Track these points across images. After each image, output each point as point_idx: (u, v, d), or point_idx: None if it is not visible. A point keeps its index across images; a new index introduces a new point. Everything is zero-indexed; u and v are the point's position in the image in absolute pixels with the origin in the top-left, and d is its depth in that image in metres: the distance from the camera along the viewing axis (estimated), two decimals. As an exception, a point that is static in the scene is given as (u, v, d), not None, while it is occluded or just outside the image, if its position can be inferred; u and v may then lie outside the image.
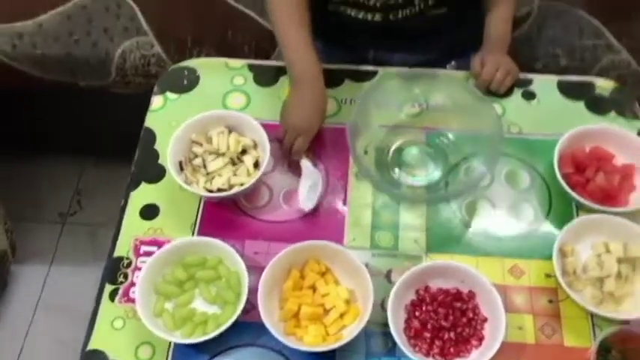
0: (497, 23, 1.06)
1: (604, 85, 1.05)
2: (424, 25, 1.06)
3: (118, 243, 0.88)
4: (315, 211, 0.91)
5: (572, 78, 1.06)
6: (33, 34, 1.22)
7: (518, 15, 1.22)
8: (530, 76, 1.06)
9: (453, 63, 1.13)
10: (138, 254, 0.87)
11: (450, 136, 0.97)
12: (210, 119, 0.94)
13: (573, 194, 0.88)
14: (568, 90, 1.04)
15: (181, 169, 0.91)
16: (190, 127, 0.93)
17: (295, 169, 0.96)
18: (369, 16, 1.05)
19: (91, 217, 1.66)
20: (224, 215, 0.91)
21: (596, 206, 0.87)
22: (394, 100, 0.98)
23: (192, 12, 1.23)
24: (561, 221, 0.87)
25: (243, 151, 0.93)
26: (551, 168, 0.91)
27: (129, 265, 0.86)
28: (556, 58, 1.19)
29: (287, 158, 0.96)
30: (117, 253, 0.87)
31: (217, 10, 1.23)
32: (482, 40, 1.15)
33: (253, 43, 1.22)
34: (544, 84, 1.05)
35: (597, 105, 1.02)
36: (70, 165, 1.69)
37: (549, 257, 0.83)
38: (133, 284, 0.84)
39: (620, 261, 0.83)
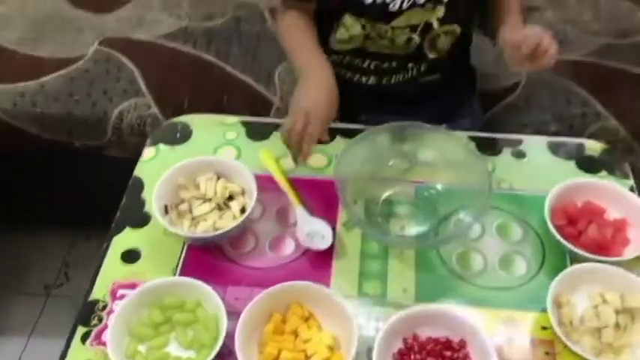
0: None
1: (594, 147, 1.05)
2: (417, 90, 1.08)
3: (96, 286, 0.85)
4: (302, 255, 0.89)
5: (561, 139, 1.07)
6: (34, 94, 1.26)
7: (507, 85, 1.25)
8: (519, 136, 1.06)
9: (444, 127, 1.14)
10: (115, 297, 0.83)
11: (439, 188, 0.96)
12: (199, 165, 0.94)
13: (566, 244, 0.85)
14: (558, 150, 1.04)
15: (166, 212, 0.89)
16: (178, 171, 0.92)
17: (283, 218, 0.94)
18: (364, 79, 1.08)
19: (78, 289, 1.60)
20: (207, 260, 0.88)
21: (590, 256, 0.84)
22: (383, 153, 0.98)
23: (190, 76, 1.27)
24: (555, 273, 0.83)
25: (230, 197, 0.92)
26: (543, 221, 0.89)
27: (104, 307, 0.82)
28: (545, 125, 1.20)
29: (295, 162, 0.91)
30: (93, 296, 0.84)
31: (214, 76, 1.27)
32: (472, 105, 1.17)
33: (248, 108, 1.25)
34: (534, 144, 1.05)
35: (587, 164, 1.01)
36: (60, 237, 1.67)
37: (544, 309, 0.79)
38: (106, 327, 0.79)
39: (617, 312, 0.79)
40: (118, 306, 0.79)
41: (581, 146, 1.05)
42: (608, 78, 1.25)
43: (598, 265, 0.83)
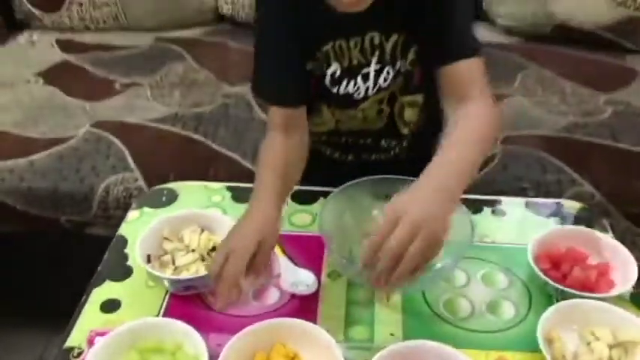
0: (447, 145, 0.83)
1: (571, 206, 1.07)
2: (396, 166, 1.11)
3: (72, 334, 0.81)
4: (287, 303, 0.86)
5: (539, 199, 1.09)
6: (23, 170, 1.28)
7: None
8: (498, 197, 1.09)
9: None
10: (91, 344, 0.79)
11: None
12: (184, 218, 0.94)
13: (553, 283, 0.85)
14: (536, 209, 1.06)
15: (149, 262, 0.88)
16: (164, 223, 0.92)
17: (268, 269, 0.92)
18: (344, 157, 1.11)
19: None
20: (189, 309, 0.85)
21: (578, 293, 0.83)
22: (364, 206, 0.99)
23: (177, 152, 1.31)
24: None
25: (214, 249, 0.92)
26: (527, 269, 0.89)
27: (79, 354, 0.78)
28: (523, 191, 1.23)
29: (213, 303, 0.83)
30: (68, 344, 0.80)
31: (201, 152, 1.31)
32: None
33: (234, 181, 1.26)
34: (512, 204, 1.07)
35: (566, 219, 1.03)
36: (38, 331, 1.61)
37: (535, 349, 0.77)
38: (81, 373, 0.75)
39: (610, 346, 0.77)
40: (92, 349, 0.75)
41: (559, 205, 1.08)
42: (580, 149, 1.31)
43: (586, 300, 0.82)
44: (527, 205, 1.07)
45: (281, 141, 0.95)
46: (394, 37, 0.94)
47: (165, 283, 0.86)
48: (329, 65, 0.95)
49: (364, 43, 0.94)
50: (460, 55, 0.91)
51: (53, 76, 1.56)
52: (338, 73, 0.95)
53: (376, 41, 0.93)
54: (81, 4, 1.75)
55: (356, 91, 0.97)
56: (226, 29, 1.82)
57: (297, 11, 0.92)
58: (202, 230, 0.94)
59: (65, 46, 1.72)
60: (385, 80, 0.96)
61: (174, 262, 0.89)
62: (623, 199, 1.24)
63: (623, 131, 1.35)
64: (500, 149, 1.30)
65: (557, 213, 1.05)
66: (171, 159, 1.29)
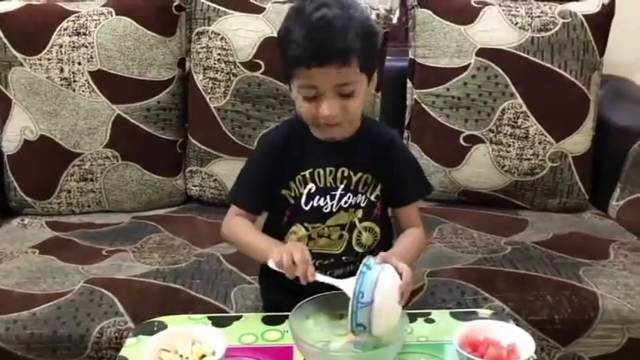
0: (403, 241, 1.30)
1: (485, 312, 1.32)
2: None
3: None
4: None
5: (459, 309, 1.33)
6: (26, 320, 1.42)
7: (413, 288, 1.53)
8: (428, 310, 1.32)
9: None
10: None
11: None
12: (178, 333, 1.13)
13: (472, 356, 1.07)
14: (458, 316, 1.29)
15: (150, 368, 1.04)
16: (161, 337, 1.10)
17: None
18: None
19: None
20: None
21: (493, 364, 1.05)
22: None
23: (160, 300, 1.48)
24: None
25: (203, 356, 1.09)
26: (453, 355, 1.11)
27: None
28: (446, 305, 1.46)
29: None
30: None
31: (180, 298, 1.50)
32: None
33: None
34: (440, 314, 1.30)
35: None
36: None
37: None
38: None
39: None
40: None
41: (475, 312, 1.32)
42: (489, 275, 1.58)
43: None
44: (451, 314, 1.31)
45: (240, 219, 1.31)
46: (359, 175, 1.28)
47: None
48: (306, 185, 1.27)
49: (337, 173, 1.27)
50: (416, 198, 1.36)
51: (47, 247, 1.74)
52: (313, 189, 1.26)
53: (345, 174, 1.27)
54: (69, 191, 2.01)
55: (324, 205, 1.26)
56: (194, 207, 2.08)
57: (291, 144, 1.27)
58: (193, 342, 1.12)
59: (54, 226, 1.93)
60: (346, 203, 1.27)
61: (170, 369, 1.06)
62: (526, 310, 1.49)
63: (520, 261, 1.65)
64: (426, 280, 1.56)
65: (475, 318, 1.28)
66: (155, 305, 1.46)
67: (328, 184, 1.26)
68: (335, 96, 1.16)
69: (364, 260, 1.11)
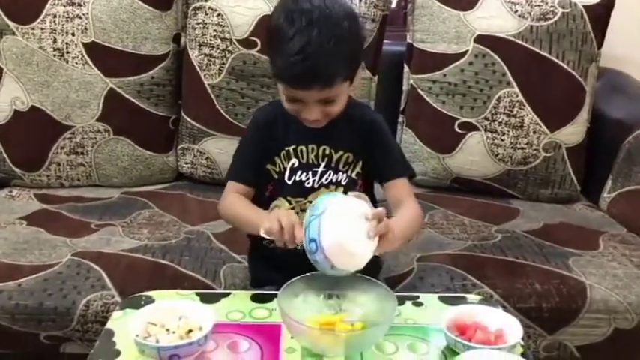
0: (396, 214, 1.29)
1: (473, 297, 1.32)
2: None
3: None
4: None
5: (448, 294, 1.33)
6: (12, 291, 1.39)
7: (404, 271, 1.54)
8: (417, 293, 1.31)
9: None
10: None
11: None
12: (165, 307, 1.12)
13: (461, 340, 1.06)
14: (447, 300, 1.29)
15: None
16: (149, 311, 1.09)
17: (234, 348, 1.08)
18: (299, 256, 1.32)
19: None
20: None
21: (480, 346, 1.05)
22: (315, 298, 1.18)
23: (148, 275, 1.47)
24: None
25: (190, 330, 1.07)
26: (441, 338, 1.11)
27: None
28: (435, 290, 1.46)
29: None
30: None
31: (168, 274, 1.48)
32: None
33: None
34: (428, 297, 1.30)
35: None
36: None
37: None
38: None
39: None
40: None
41: (464, 298, 1.32)
42: (478, 262, 1.58)
43: (490, 350, 1.04)
44: (439, 298, 1.31)
45: (236, 195, 1.33)
46: (340, 153, 1.30)
47: (153, 352, 1.00)
48: (289, 160, 1.30)
49: (318, 151, 1.29)
50: (400, 175, 1.34)
51: (35, 219, 1.72)
52: (296, 165, 1.29)
53: (327, 152, 1.30)
54: (59, 164, 1.98)
55: (306, 180, 1.29)
56: (185, 185, 2.06)
57: (277, 122, 1.31)
58: (180, 317, 1.10)
59: (43, 198, 1.90)
60: (327, 180, 1.29)
61: (157, 342, 1.05)
62: (514, 297, 1.48)
63: (510, 249, 1.65)
64: (416, 265, 1.55)
65: (463, 303, 1.28)
66: (143, 280, 1.45)
67: (310, 161, 1.30)
68: (318, 104, 1.21)
69: None
